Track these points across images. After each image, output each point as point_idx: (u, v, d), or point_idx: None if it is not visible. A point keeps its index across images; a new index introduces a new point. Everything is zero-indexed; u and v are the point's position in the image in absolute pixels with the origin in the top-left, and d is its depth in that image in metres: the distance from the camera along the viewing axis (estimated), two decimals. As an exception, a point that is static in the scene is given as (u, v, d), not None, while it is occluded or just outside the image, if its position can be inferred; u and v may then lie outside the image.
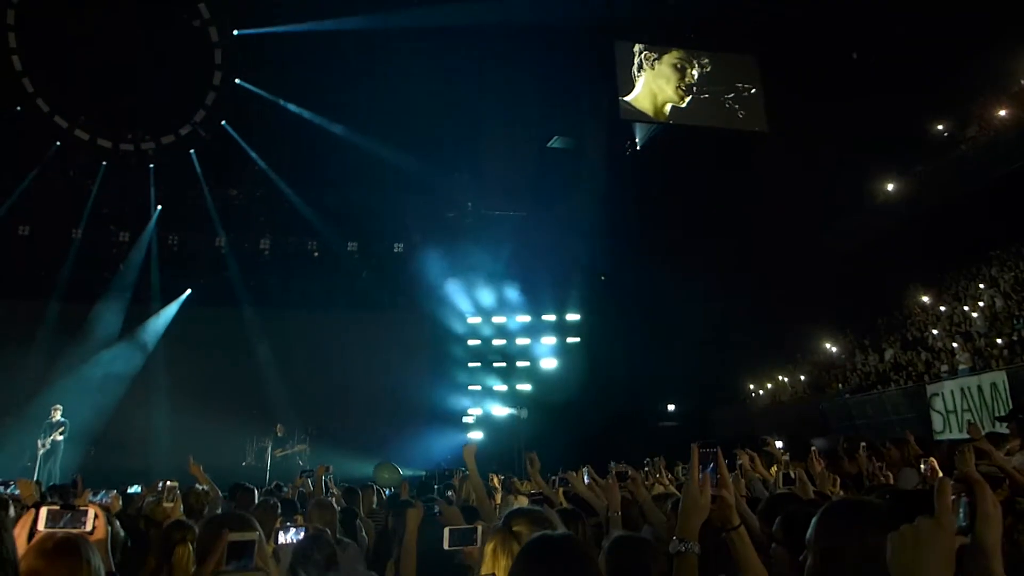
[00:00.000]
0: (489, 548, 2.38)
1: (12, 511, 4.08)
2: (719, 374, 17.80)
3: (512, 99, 16.51)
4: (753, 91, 17.77)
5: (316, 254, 17.08)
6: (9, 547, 1.55)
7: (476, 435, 16.44)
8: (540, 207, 17.11)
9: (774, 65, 17.34)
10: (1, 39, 14.69)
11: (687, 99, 17.38)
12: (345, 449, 13.86)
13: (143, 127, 15.96)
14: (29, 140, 15.36)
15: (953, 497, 1.11)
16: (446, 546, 2.57)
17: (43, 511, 2.08)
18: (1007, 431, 5.53)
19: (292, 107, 15.88)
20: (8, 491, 5.57)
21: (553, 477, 6.06)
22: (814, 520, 1.59)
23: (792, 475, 3.91)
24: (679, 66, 17.53)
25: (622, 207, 16.45)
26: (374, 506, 6.02)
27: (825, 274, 17.07)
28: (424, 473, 14.14)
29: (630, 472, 4.36)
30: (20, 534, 2.06)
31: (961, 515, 1.12)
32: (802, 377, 18.90)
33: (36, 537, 2.01)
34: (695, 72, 17.59)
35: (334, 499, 5.18)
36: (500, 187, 16.84)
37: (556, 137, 16.97)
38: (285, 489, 6.75)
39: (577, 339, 17.22)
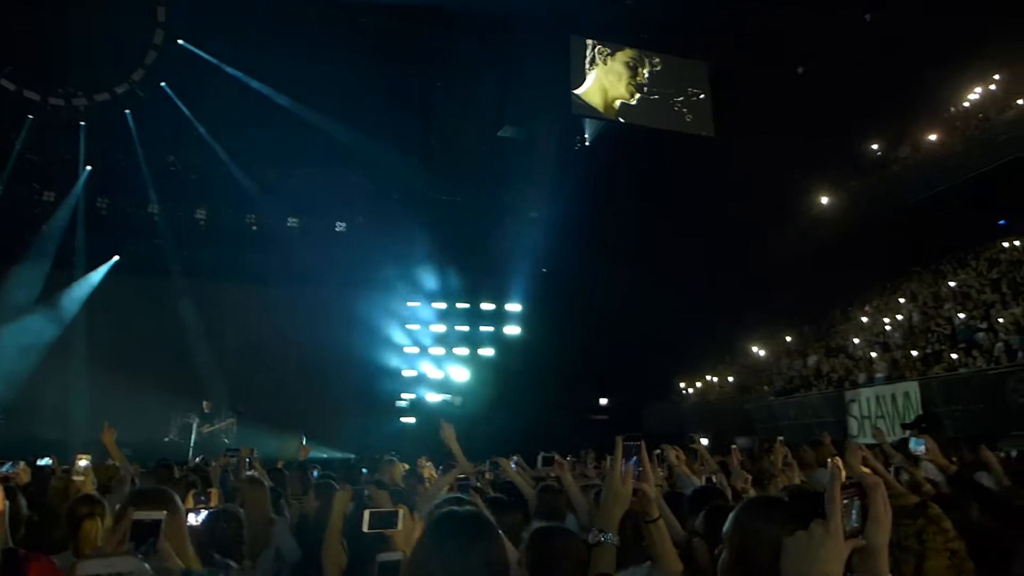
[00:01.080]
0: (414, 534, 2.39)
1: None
2: (652, 371, 18.18)
3: (465, 85, 16.41)
4: (702, 96, 18.12)
5: (254, 228, 16.61)
6: None
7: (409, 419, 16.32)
8: (487, 195, 17.08)
9: (723, 73, 17.72)
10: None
11: (636, 97, 17.59)
12: (273, 428, 13.61)
13: (76, 82, 15.15)
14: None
15: (847, 500, 1.17)
16: (365, 528, 2.54)
17: None
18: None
19: (238, 74, 15.35)
20: None
21: (482, 464, 6.09)
22: (730, 515, 1.65)
23: (714, 479, 4.03)
24: (631, 64, 17.72)
25: (568, 201, 16.56)
26: (300, 489, 5.94)
27: (759, 279, 17.61)
28: (353, 456, 14.01)
29: (556, 458, 4.41)
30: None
31: (854, 516, 1.17)
32: (731, 378, 19.50)
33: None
34: (646, 72, 17.81)
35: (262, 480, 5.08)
36: (448, 172, 16.71)
37: (507, 126, 16.93)
38: (212, 464, 6.57)
39: (516, 329, 17.31)
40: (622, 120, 17.34)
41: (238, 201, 16.26)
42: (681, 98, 18.06)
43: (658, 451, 5.20)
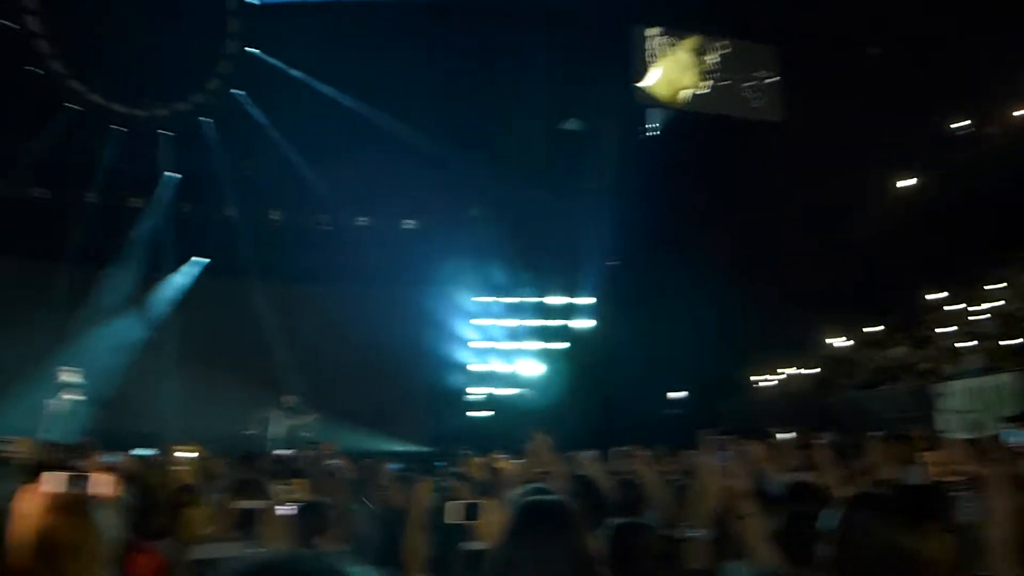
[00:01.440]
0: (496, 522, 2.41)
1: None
2: (726, 364, 17.76)
3: (528, 79, 16.39)
4: (771, 80, 17.57)
5: (326, 228, 17.08)
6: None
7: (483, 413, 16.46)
8: (553, 189, 17.02)
9: (793, 55, 17.13)
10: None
11: (704, 84, 17.20)
12: (351, 422, 13.99)
13: (158, 94, 15.92)
14: (47, 102, 15.35)
15: (962, 495, 1.12)
16: (448, 520, 2.58)
17: (49, 476, 2.10)
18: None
19: (305, 78, 15.79)
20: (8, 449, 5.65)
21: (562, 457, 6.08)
22: (835, 511, 1.60)
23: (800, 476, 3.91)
24: (697, 51, 17.34)
25: (634, 192, 16.36)
26: (383, 481, 6.08)
27: (837, 268, 16.96)
28: (430, 449, 14.27)
29: (634, 451, 4.37)
30: (28, 499, 2.08)
31: (969, 510, 1.11)
32: (809, 371, 18.85)
33: (44, 498, 2.04)
34: (713, 58, 17.40)
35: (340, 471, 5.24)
36: (513, 166, 16.75)
37: (570, 119, 16.85)
38: (296, 462, 6.82)
39: (585, 323, 17.24)
40: (690, 109, 17.00)
41: (310, 202, 16.76)
42: (750, 83, 17.58)
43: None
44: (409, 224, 17.23)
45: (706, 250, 16.57)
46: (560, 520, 1.83)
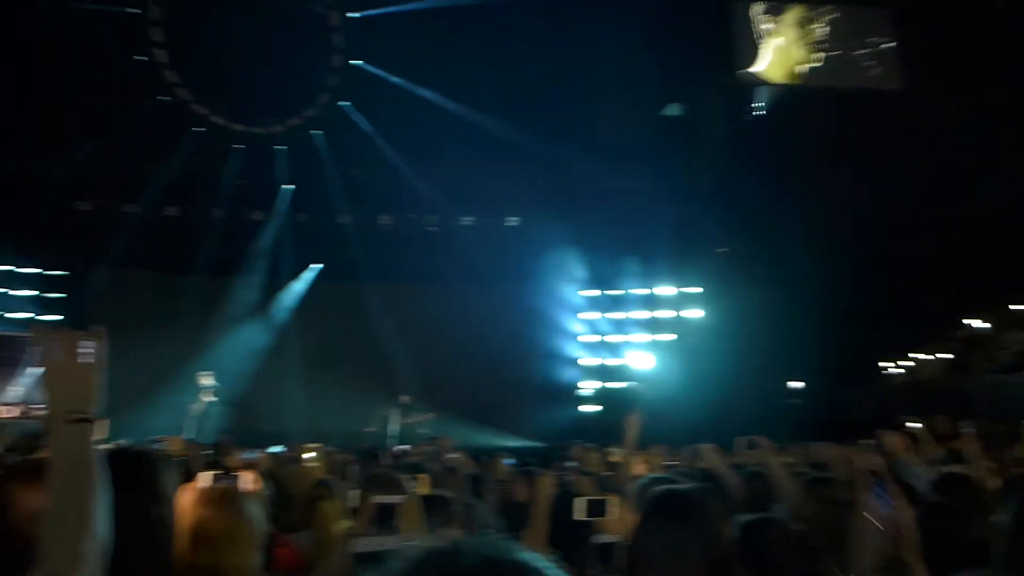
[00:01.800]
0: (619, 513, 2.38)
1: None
2: (849, 351, 16.79)
3: (625, 67, 16.12)
4: (887, 46, 16.43)
5: (433, 229, 17.52)
6: (163, 488, 1.67)
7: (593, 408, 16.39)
8: (657, 177, 16.65)
9: (909, 16, 15.94)
10: (147, 34, 15.91)
11: (814, 57, 16.31)
12: (464, 418, 14.29)
13: (272, 111, 16.89)
14: (173, 128, 16.61)
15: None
16: (577, 516, 2.57)
17: (204, 475, 2.25)
18: None
19: (408, 85, 16.23)
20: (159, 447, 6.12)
21: (684, 451, 5.94)
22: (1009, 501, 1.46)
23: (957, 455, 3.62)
24: (802, 23, 16.47)
25: (743, 174, 15.75)
26: (501, 475, 6.16)
27: (973, 241, 15.68)
28: (541, 444, 14.35)
29: (762, 441, 4.21)
30: (183, 494, 2.24)
31: None
32: (943, 356, 17.56)
33: (197, 492, 2.18)
34: (821, 28, 16.48)
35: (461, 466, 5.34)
36: (615, 158, 16.52)
37: (671, 104, 16.42)
38: (415, 458, 7.01)
39: (696, 313, 16.79)
40: (797, 84, 16.17)
41: (417, 205, 17.25)
42: (864, 51, 16.52)
43: (869, 440, 4.78)
44: (512, 221, 17.38)
45: (822, 230, 15.72)
46: (694, 510, 1.78)
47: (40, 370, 1.35)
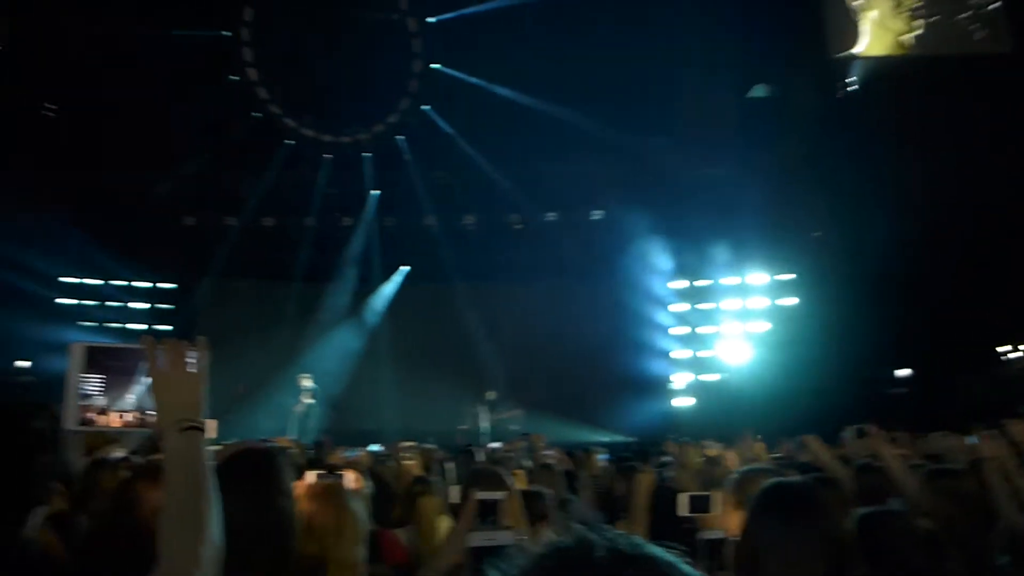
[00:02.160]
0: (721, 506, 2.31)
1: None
2: (961, 335, 15.73)
3: (707, 52, 15.67)
4: (994, 6, 15.27)
5: (517, 227, 17.60)
6: (287, 485, 1.74)
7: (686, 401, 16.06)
8: (743, 162, 16.10)
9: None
10: (240, 54, 16.72)
11: (914, 26, 15.35)
12: (554, 414, 14.31)
13: (358, 120, 17.42)
14: (267, 142, 17.40)
15: None
16: (681, 512, 2.51)
17: (310, 473, 2.34)
18: None
19: (486, 85, 16.36)
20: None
21: (786, 443, 5.73)
22: None
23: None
24: (899, -11, 15.52)
25: (836, 154, 15.01)
26: (596, 471, 6.13)
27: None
28: (633, 439, 14.18)
29: (872, 430, 4.00)
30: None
31: None
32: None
33: (305, 488, 2.27)
34: (917, -7, 15.48)
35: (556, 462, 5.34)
36: (699, 144, 16.10)
37: (757, 86, 15.83)
38: (509, 454, 7.07)
39: (791, 300, 16.13)
40: (896, 55, 15.25)
41: (501, 204, 17.37)
42: (967, 13, 15.42)
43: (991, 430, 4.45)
44: (597, 215, 17.24)
45: (925, 207, 14.77)
46: (808, 503, 1.71)
47: (149, 380, 1.42)
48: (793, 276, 16.22)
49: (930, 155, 15.09)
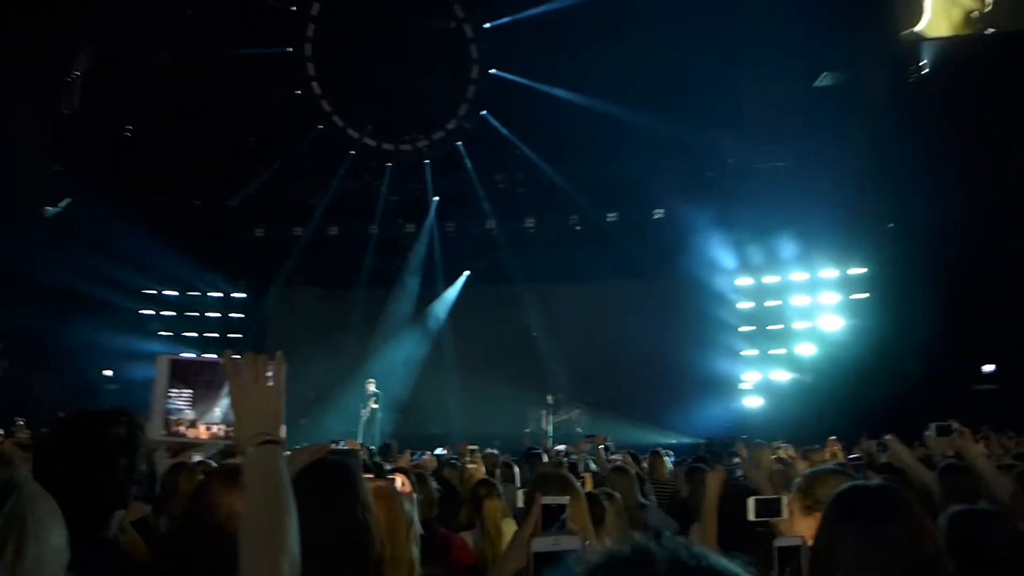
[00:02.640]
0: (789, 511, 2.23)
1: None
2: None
3: (770, 41, 15.25)
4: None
5: (578, 228, 17.51)
6: (365, 493, 1.77)
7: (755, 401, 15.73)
8: (810, 153, 15.55)
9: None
10: (304, 69, 17.22)
11: (986, 2, 14.55)
12: (619, 416, 14.14)
13: (418, 128, 17.70)
14: (330, 153, 17.86)
15: None
16: (750, 517, 2.43)
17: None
18: None
19: (544, 87, 16.36)
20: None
21: (865, 444, 5.51)
22: None
23: None
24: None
25: (908, 141, 14.34)
26: (667, 475, 6.03)
27: None
28: (704, 441, 13.88)
29: (956, 426, 3.80)
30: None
31: None
32: None
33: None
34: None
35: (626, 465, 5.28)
36: (762, 137, 15.65)
37: (824, 74, 15.27)
38: (573, 457, 7.04)
39: (864, 295, 15.50)
40: (968, 35, 14.49)
41: (560, 205, 17.31)
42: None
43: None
44: (659, 213, 16.97)
45: (1010, 194, 13.96)
46: (891, 507, 1.63)
47: (228, 394, 1.46)
48: (865, 270, 15.58)
49: (1010, 139, 14.28)
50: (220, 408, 1.54)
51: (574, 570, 0.66)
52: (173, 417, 1.52)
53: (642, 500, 4.21)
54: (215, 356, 1.55)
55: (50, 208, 15.75)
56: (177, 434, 1.54)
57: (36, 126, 15.54)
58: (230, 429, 1.52)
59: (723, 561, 0.66)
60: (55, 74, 15.91)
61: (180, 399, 1.52)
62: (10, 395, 14.90)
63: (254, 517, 1.30)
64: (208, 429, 1.55)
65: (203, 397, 1.53)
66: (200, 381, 1.53)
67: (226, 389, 1.51)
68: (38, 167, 15.49)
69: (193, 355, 1.55)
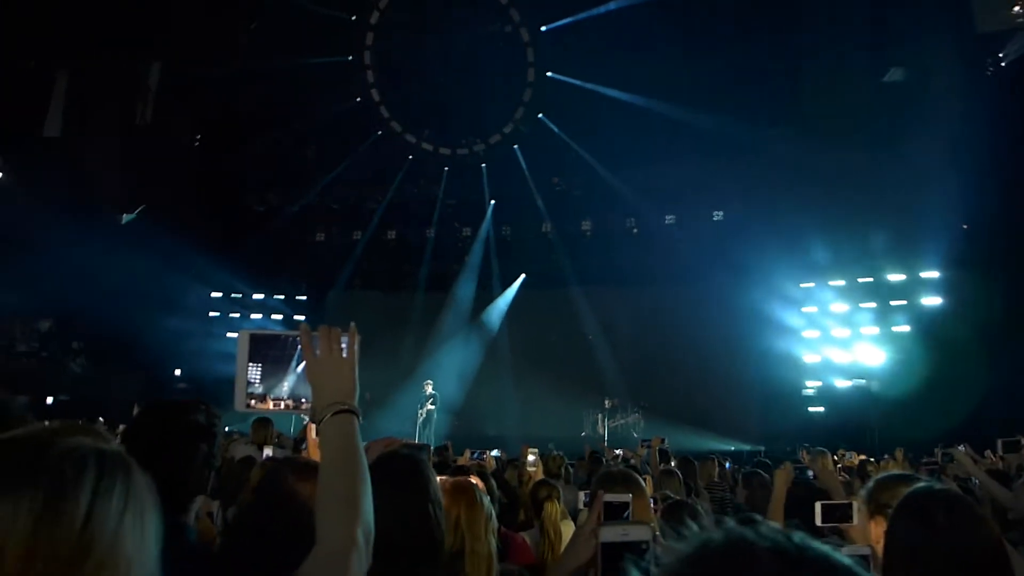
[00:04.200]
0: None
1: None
2: None
3: (835, 36, 14.81)
4: None
5: (635, 231, 17.33)
6: (435, 488, 1.80)
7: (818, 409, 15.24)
8: (879, 152, 14.98)
9: None
10: (364, 75, 17.58)
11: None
12: (674, 420, 13.92)
13: (474, 132, 17.85)
14: (388, 158, 18.19)
15: None
16: (819, 522, 2.36)
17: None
18: None
19: (600, 89, 16.28)
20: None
21: (927, 459, 5.31)
22: None
23: None
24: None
25: (984, 138, 13.67)
26: (715, 477, 5.92)
27: None
28: (761, 448, 13.55)
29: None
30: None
31: None
32: None
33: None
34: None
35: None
36: (828, 135, 15.14)
37: (892, 69, 14.71)
38: (631, 461, 6.97)
39: (937, 300, 14.86)
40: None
41: (617, 207, 17.16)
42: None
43: None
44: (718, 215, 16.64)
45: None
46: (956, 506, 1.59)
47: (304, 366, 1.50)
48: (936, 274, 14.94)
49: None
50: (288, 383, 1.58)
51: (662, 561, 0.61)
52: (248, 391, 1.57)
53: (692, 502, 4.15)
54: (290, 331, 1.59)
55: (126, 215, 16.50)
56: (250, 408, 1.59)
57: (112, 138, 16.33)
58: (299, 402, 1.57)
59: (827, 550, 0.59)
60: (129, 88, 16.67)
61: (251, 373, 1.56)
62: (87, 392, 15.68)
63: (330, 484, 1.33)
64: (276, 403, 1.60)
65: (271, 372, 1.57)
66: (270, 356, 1.58)
67: (293, 364, 1.55)
68: (114, 176, 16.26)
69: (270, 330, 1.59)
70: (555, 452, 5.78)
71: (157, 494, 0.95)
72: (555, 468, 5.21)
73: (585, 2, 15.87)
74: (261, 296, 18.79)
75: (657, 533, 1.46)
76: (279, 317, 18.85)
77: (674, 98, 15.31)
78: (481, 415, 16.58)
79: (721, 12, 15.43)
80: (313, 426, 1.75)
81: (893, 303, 15.15)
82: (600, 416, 15.17)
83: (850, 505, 2.34)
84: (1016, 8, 13.74)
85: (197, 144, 17.47)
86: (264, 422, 6.13)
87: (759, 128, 14.93)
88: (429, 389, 14.68)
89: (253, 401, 1.55)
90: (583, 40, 16.59)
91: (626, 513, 1.87)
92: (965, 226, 14.64)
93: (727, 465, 8.07)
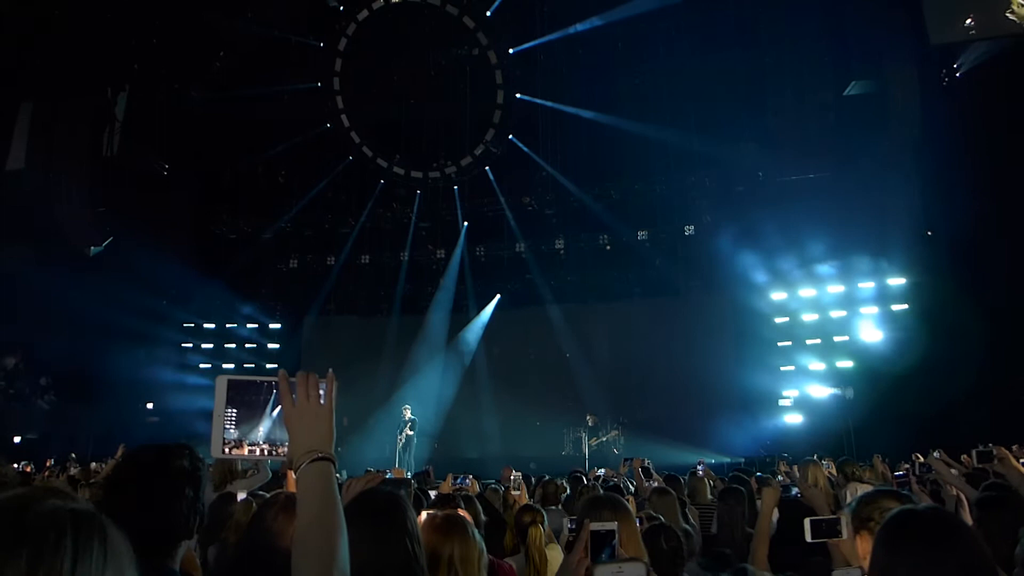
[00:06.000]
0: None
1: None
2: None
3: (796, 52, 15.17)
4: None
5: (608, 247, 17.43)
6: (414, 524, 1.78)
7: (795, 418, 15.42)
8: (842, 164, 15.31)
9: None
10: (334, 101, 17.56)
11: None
12: (656, 436, 13.95)
13: (445, 154, 17.90)
14: (360, 183, 18.15)
15: None
16: (808, 539, 2.36)
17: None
18: None
19: (569, 109, 16.46)
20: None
21: (906, 465, 5.37)
22: None
23: None
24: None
25: (944, 148, 14.04)
26: (708, 497, 5.93)
27: None
28: (740, 460, 13.62)
29: (998, 451, 3.69)
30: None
31: None
32: None
33: (421, 518, 2.30)
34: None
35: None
36: (792, 149, 15.46)
37: (853, 82, 15.07)
38: (613, 480, 6.95)
39: (904, 306, 15.12)
40: (1011, 34, 14.15)
41: (589, 225, 17.23)
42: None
43: None
44: (690, 230, 16.80)
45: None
46: (944, 529, 1.60)
47: (279, 410, 1.48)
48: (903, 280, 15.22)
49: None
50: (264, 427, 1.56)
51: None
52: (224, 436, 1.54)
53: (684, 525, 4.13)
54: (266, 377, 1.57)
55: (94, 247, 16.21)
56: (228, 455, 1.56)
57: (79, 169, 16.09)
58: (274, 447, 1.55)
59: None
60: (96, 118, 16.47)
61: (226, 419, 1.54)
62: (55, 430, 15.28)
63: (307, 532, 1.33)
64: (252, 448, 1.57)
65: (246, 417, 1.55)
66: (245, 402, 1.56)
67: (268, 408, 1.53)
68: (81, 208, 16.00)
69: (247, 376, 1.57)
70: (559, 481, 5.75)
71: (143, 541, 0.94)
72: (553, 493, 5.18)
73: (552, 24, 16.10)
74: (234, 325, 18.54)
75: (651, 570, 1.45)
76: (252, 346, 18.59)
77: (642, 115, 15.53)
78: (461, 438, 16.47)
79: (686, 32, 15.74)
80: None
81: (863, 311, 15.38)
82: (583, 434, 15.13)
83: (838, 520, 2.35)
84: (968, 21, 14.18)
85: (166, 174, 17.27)
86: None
87: (725, 143, 15.20)
88: (408, 414, 14.54)
89: (228, 448, 1.53)
90: (551, 61, 16.81)
91: (614, 541, 1.86)
92: (929, 232, 14.97)
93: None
